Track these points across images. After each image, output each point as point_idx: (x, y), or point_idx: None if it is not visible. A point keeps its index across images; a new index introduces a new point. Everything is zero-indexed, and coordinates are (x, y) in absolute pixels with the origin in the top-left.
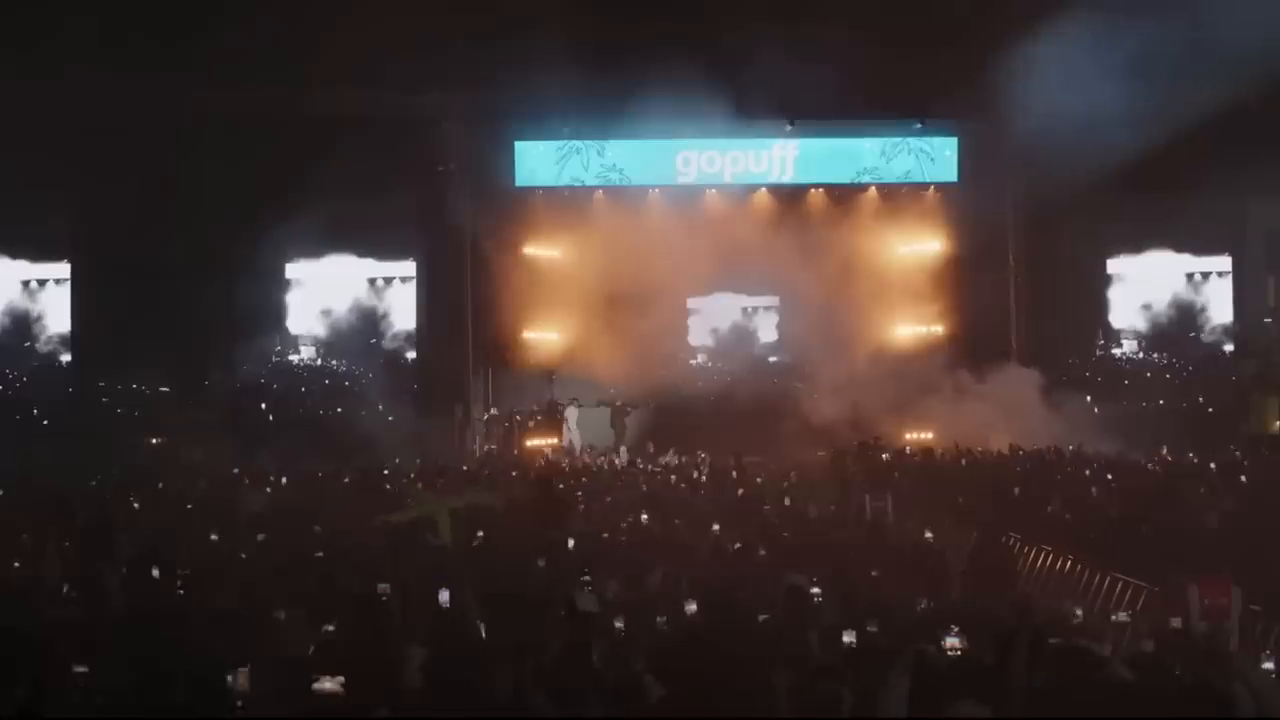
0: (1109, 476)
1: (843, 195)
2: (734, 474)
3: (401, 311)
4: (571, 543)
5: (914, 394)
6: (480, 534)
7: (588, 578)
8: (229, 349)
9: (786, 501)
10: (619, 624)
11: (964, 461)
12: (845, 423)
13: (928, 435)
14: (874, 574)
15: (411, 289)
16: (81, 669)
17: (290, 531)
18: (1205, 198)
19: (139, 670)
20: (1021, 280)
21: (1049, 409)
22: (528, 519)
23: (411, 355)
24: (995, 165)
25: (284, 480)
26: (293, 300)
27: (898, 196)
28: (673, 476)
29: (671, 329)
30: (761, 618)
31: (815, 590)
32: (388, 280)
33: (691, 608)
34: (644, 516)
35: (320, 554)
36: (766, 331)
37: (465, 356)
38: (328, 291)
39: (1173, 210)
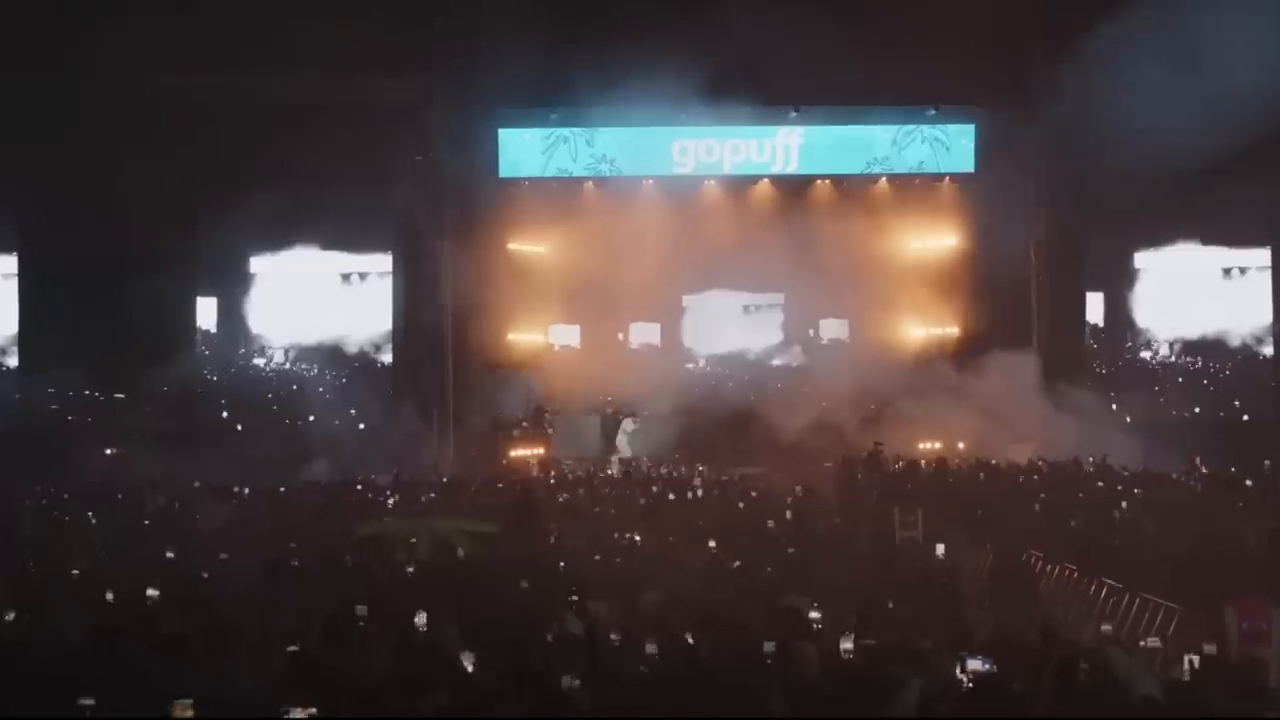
0: (1137, 490)
1: (851, 187)
2: (734, 486)
3: (376, 310)
4: (559, 561)
5: (927, 400)
6: (460, 551)
7: (575, 598)
8: (186, 351)
9: (788, 515)
10: (610, 649)
11: (982, 475)
12: (852, 431)
13: (938, 445)
14: (888, 601)
15: (387, 285)
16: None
17: (256, 549)
18: (1242, 187)
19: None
20: (1044, 279)
21: (1071, 416)
22: (511, 535)
23: (387, 358)
24: (1016, 155)
25: (248, 493)
26: (257, 297)
27: (910, 188)
28: (670, 491)
29: (667, 330)
30: (764, 645)
31: (815, 615)
32: (362, 275)
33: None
34: (636, 535)
35: (289, 573)
36: (770, 332)
37: (444, 359)
38: (294, 287)
39: (1207, 201)
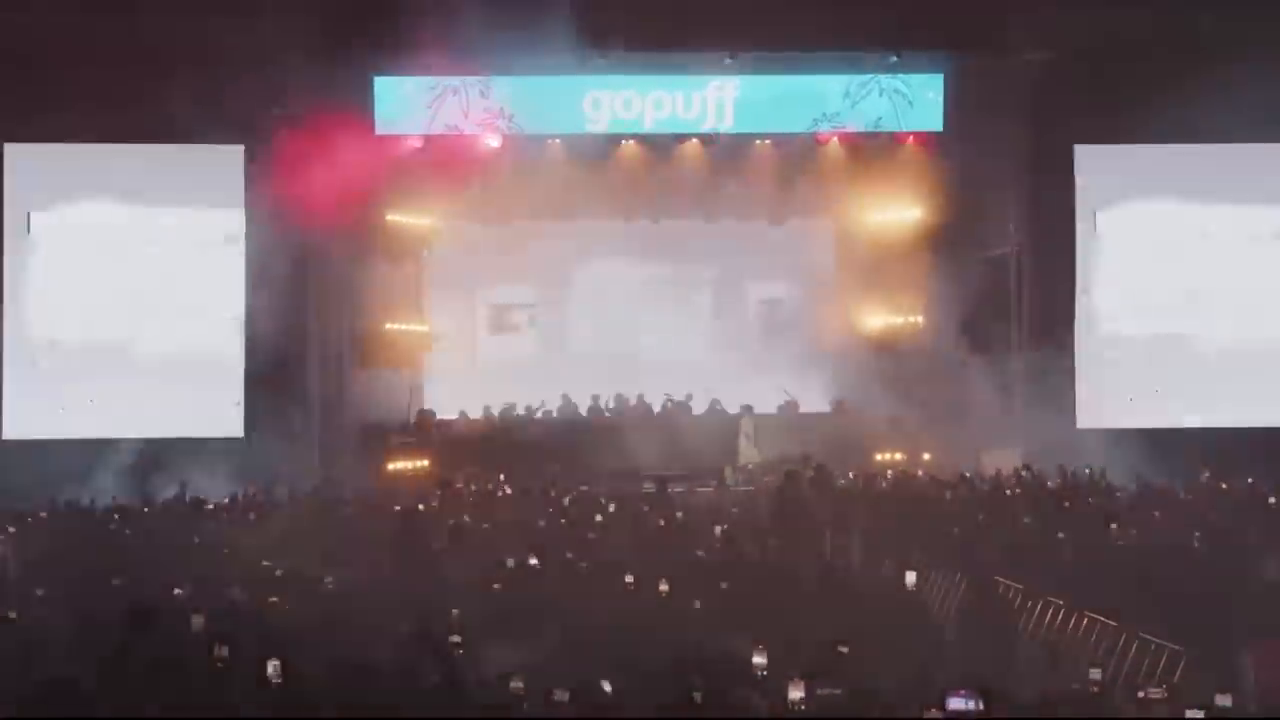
0: (1135, 509)
1: (796, 148)
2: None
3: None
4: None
5: (886, 401)
6: (328, 580)
7: (458, 639)
8: None
9: (717, 532)
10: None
11: (949, 493)
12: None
13: (898, 455)
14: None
15: (238, 258)
16: None
17: (77, 583)
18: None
19: None
20: (1025, 256)
21: (1059, 419)
22: (385, 564)
23: (237, 351)
24: (993, 111)
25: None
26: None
27: (866, 150)
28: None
29: (577, 318)
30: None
31: (761, 659)
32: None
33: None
34: (532, 560)
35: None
36: (698, 319)
37: (308, 353)
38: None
39: (1226, 159)
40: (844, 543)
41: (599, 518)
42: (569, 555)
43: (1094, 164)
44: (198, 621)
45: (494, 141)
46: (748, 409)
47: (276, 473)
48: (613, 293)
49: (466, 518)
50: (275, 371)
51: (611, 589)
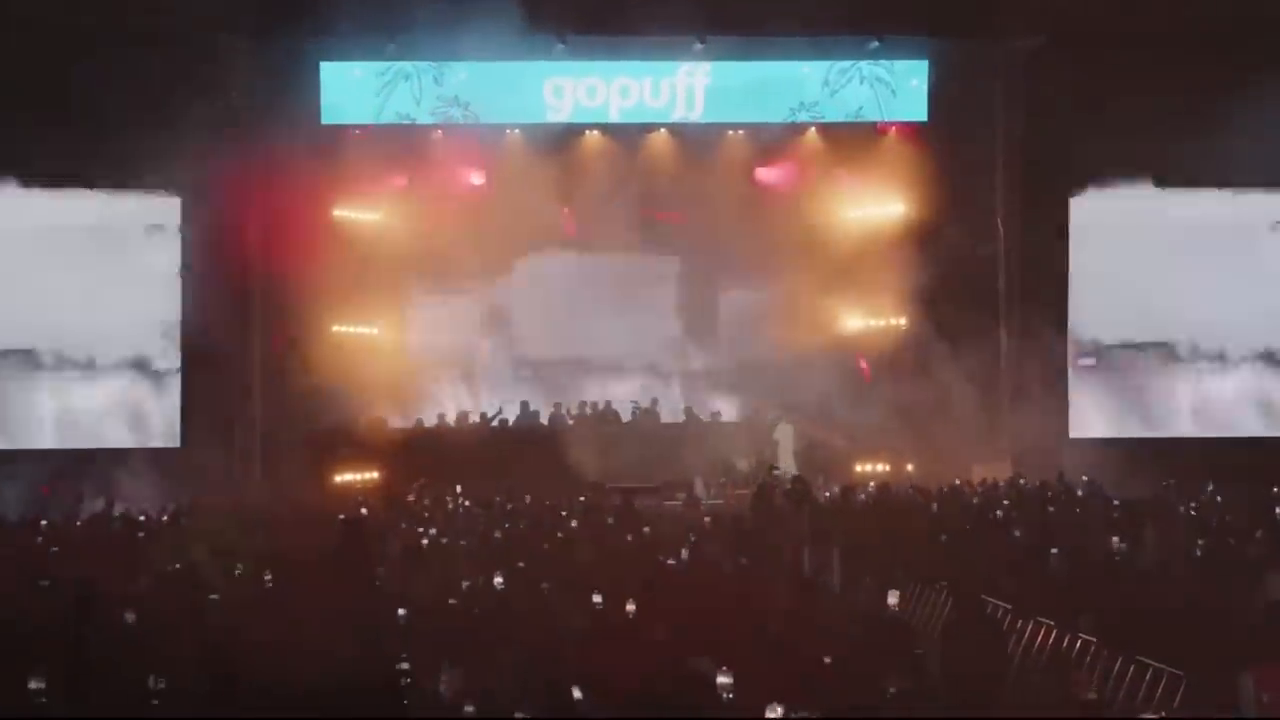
0: (1132, 523)
1: (771, 139)
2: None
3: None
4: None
5: (866, 408)
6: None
7: (406, 665)
8: None
9: (684, 554)
10: None
11: (935, 505)
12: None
13: (881, 466)
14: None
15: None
16: None
17: None
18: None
19: None
20: (1014, 254)
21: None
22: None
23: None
24: (981, 99)
25: None
26: None
27: (846, 142)
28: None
29: (536, 319)
30: None
31: (726, 680)
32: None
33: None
34: (497, 579)
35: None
36: (664, 320)
37: (249, 355)
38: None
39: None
40: (824, 560)
41: (560, 534)
42: (530, 572)
43: (1089, 157)
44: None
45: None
46: (779, 415)
47: (214, 484)
48: (575, 293)
49: (421, 530)
50: (215, 376)
51: (575, 609)
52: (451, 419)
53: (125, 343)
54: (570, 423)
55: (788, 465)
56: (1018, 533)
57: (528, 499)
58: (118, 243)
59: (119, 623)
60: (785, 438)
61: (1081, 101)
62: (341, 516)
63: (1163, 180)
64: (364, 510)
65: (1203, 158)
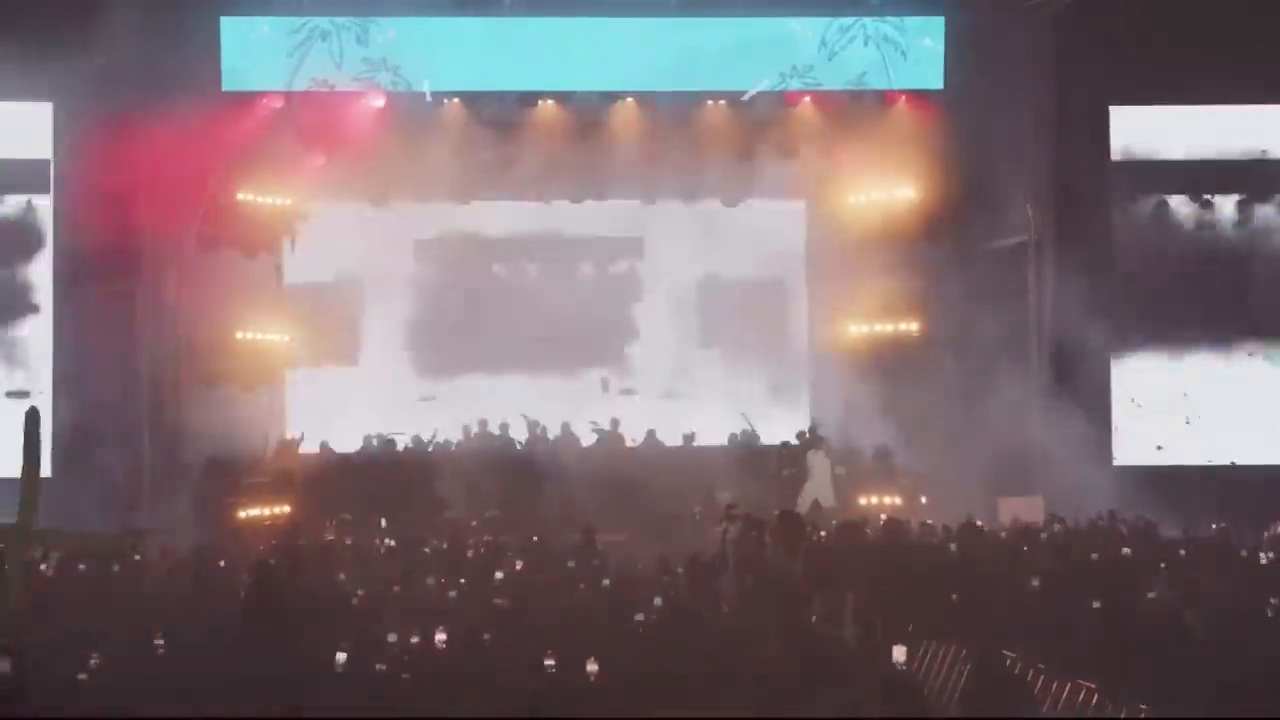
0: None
1: (758, 110)
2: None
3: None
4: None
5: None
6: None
7: None
8: None
9: (657, 602)
10: None
11: (954, 545)
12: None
13: (891, 499)
14: None
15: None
16: None
17: None
18: None
19: None
20: (1046, 245)
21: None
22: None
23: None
24: (1006, 63)
25: None
26: None
27: (848, 113)
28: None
29: (476, 325)
30: None
31: None
32: None
33: None
34: (440, 635)
35: None
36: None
37: (136, 368)
38: None
39: None
40: (812, 611)
41: (499, 574)
42: (469, 625)
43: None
44: None
45: (377, 102)
46: (818, 438)
47: (88, 522)
48: (524, 295)
49: (342, 577)
50: (93, 392)
51: (531, 668)
52: (376, 443)
53: None
54: (518, 448)
55: (825, 497)
56: (1047, 581)
57: (467, 537)
58: None
59: None
60: (819, 466)
61: (1124, 65)
62: (246, 563)
63: None
64: (274, 563)
65: None
